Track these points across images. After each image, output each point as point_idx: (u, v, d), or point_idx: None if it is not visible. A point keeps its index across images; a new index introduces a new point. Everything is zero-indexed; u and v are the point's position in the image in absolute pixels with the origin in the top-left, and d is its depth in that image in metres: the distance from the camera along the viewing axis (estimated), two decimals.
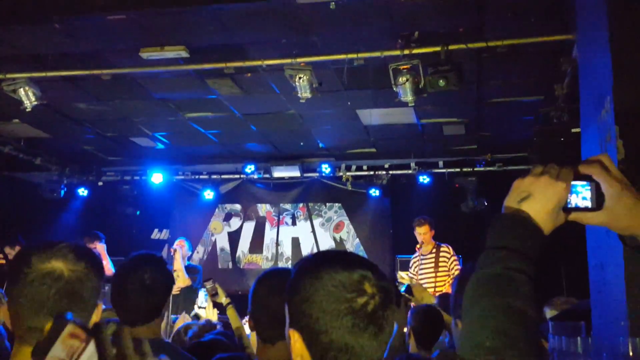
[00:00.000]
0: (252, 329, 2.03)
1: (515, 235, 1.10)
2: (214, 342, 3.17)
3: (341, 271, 1.23)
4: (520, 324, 1.01)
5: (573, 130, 5.38)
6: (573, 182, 1.14)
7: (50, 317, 1.45)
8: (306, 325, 1.22)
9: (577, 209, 1.15)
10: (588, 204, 1.15)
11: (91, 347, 1.10)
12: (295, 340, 1.23)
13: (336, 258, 1.30)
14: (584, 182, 1.15)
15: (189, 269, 7.18)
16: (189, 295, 6.72)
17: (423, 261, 6.61)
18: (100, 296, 1.59)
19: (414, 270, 6.68)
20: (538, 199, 1.11)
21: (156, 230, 10.42)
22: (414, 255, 6.78)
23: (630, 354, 1.36)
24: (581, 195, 1.15)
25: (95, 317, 1.55)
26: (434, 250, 6.54)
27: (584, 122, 2.40)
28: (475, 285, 1.08)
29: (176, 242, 7.30)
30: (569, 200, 1.15)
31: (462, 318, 1.07)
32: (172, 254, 7.04)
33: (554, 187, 1.12)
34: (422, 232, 6.55)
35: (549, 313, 3.32)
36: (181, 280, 6.74)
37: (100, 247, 7.30)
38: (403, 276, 6.17)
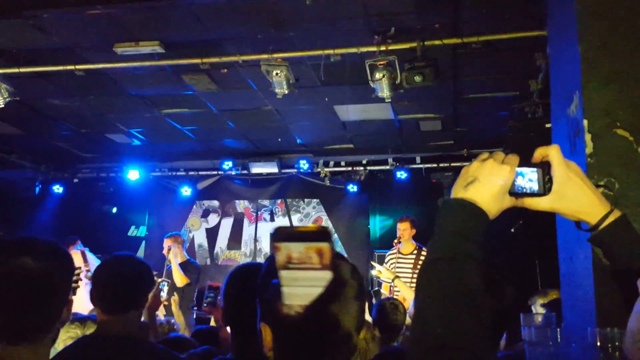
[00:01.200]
0: (225, 323, 2.03)
1: (461, 219, 1.11)
2: (179, 339, 3.17)
3: None
4: (469, 309, 1.02)
5: (547, 125, 5.45)
6: (521, 168, 1.16)
7: (19, 314, 1.43)
8: (277, 319, 1.21)
9: (523, 193, 1.18)
10: (535, 188, 1.17)
11: (321, 275, 1.05)
12: (267, 334, 1.23)
13: None
14: (532, 168, 1.18)
15: (188, 265, 6.90)
16: (186, 294, 6.28)
17: (402, 260, 6.63)
18: (72, 292, 1.58)
19: (389, 266, 6.69)
20: (483, 182, 1.13)
21: (133, 227, 10.34)
22: (391, 251, 6.79)
23: (598, 344, 1.38)
24: (527, 178, 1.18)
25: (67, 314, 1.54)
26: (415, 252, 6.59)
27: (554, 116, 2.43)
28: (424, 272, 1.09)
29: (172, 238, 6.89)
30: (516, 185, 1.16)
31: (413, 305, 1.07)
32: (166, 252, 6.70)
33: (499, 170, 1.14)
34: (402, 229, 6.62)
35: (540, 301, 3.34)
36: (178, 279, 6.46)
37: (75, 254, 7.01)
38: (381, 270, 6.11)
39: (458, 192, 1.15)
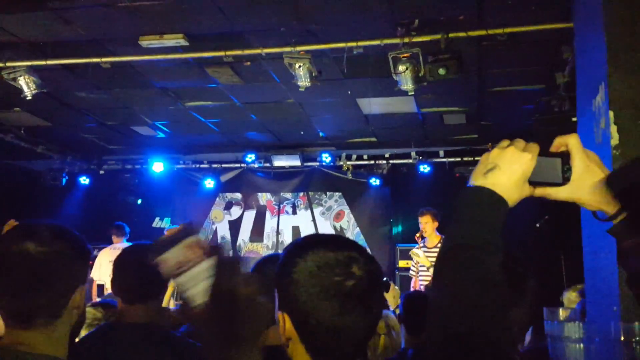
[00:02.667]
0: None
1: (480, 206, 1.10)
2: None
3: (328, 253, 1.23)
4: (489, 297, 1.01)
5: (573, 119, 5.36)
6: (540, 157, 1.15)
7: (23, 299, 1.45)
8: (295, 307, 1.21)
9: (542, 182, 1.16)
10: (554, 177, 1.16)
11: (206, 264, 1.11)
12: (285, 322, 1.24)
13: (324, 240, 1.29)
14: (551, 157, 1.16)
15: None
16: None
17: (427, 254, 6.69)
18: (83, 278, 1.57)
19: (415, 261, 6.75)
20: (504, 169, 1.11)
21: (157, 218, 10.46)
22: (418, 246, 6.84)
23: (622, 338, 1.37)
24: (547, 167, 1.16)
25: (79, 299, 1.53)
26: (439, 245, 6.63)
27: (580, 109, 2.40)
28: (443, 259, 1.08)
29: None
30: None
31: (431, 292, 1.07)
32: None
33: (520, 158, 1.12)
34: (424, 222, 6.75)
35: (570, 296, 3.28)
36: None
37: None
38: (419, 254, 6.29)
39: (477, 178, 1.14)
